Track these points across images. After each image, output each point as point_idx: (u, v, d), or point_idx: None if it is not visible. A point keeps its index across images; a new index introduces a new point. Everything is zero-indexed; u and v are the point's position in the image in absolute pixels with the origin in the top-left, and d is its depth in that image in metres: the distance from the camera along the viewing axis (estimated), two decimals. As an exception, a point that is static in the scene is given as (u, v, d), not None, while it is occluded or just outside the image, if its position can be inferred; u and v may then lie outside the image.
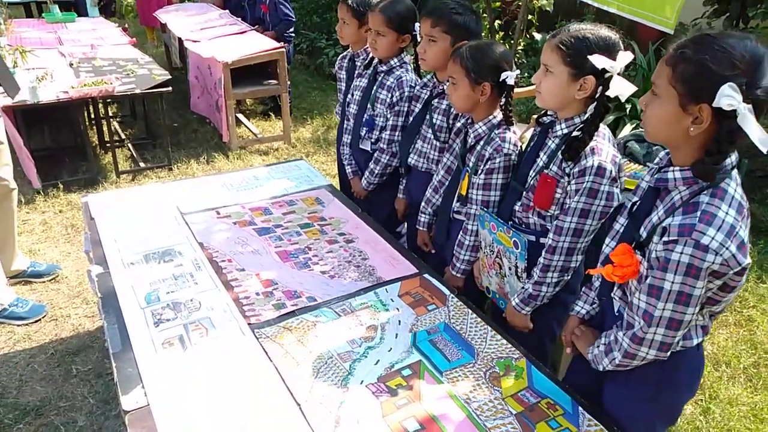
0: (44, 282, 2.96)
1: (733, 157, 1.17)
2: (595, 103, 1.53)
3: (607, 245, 1.43)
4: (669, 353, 1.27)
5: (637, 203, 1.35)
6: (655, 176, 1.27)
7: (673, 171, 1.21)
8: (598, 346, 1.41)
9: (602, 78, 1.49)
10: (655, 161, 1.35)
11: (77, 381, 2.32)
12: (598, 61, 1.42)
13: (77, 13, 6.31)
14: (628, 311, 1.28)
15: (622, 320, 1.33)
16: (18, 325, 2.63)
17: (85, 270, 2.48)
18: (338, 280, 1.98)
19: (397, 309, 1.83)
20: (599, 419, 1.42)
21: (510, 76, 1.82)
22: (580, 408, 1.45)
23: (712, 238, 1.10)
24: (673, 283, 1.16)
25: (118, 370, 1.55)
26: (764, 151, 1.09)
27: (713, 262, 1.11)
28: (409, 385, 1.52)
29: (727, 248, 1.11)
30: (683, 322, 1.20)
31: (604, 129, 1.58)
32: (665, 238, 1.16)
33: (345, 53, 2.73)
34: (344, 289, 1.92)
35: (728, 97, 1.05)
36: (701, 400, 2.24)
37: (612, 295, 1.41)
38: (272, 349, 1.63)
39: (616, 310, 1.42)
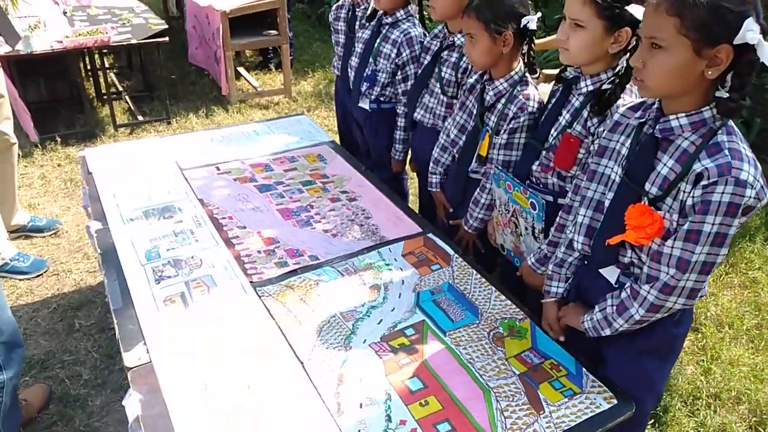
0: (45, 237, 2.94)
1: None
2: (629, 54, 1.45)
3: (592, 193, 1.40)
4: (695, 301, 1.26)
5: (629, 161, 1.30)
6: (658, 127, 1.24)
7: (677, 118, 1.20)
8: (600, 311, 1.36)
9: (637, 28, 1.40)
10: (637, 114, 1.32)
11: (80, 335, 2.33)
12: (638, 11, 1.34)
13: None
14: (652, 264, 1.25)
15: (638, 277, 1.29)
16: (20, 280, 2.62)
17: (85, 225, 2.45)
18: (341, 239, 1.95)
19: (401, 269, 1.80)
20: (602, 380, 1.41)
21: (532, 20, 1.72)
22: (583, 369, 1.45)
23: (748, 173, 1.13)
24: (713, 224, 1.15)
25: (120, 326, 1.54)
26: None
27: (750, 197, 1.13)
28: (412, 344, 1.51)
29: (757, 180, 1.14)
30: (715, 265, 1.20)
31: (630, 84, 1.50)
32: (704, 182, 1.15)
33: (341, 2, 2.61)
34: (347, 248, 1.90)
35: (752, 31, 1.07)
36: (702, 360, 2.25)
37: (626, 260, 1.35)
38: (274, 308, 1.62)
39: (614, 281, 1.38)
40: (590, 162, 1.43)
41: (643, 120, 1.30)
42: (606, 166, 1.38)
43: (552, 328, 1.54)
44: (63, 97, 4.31)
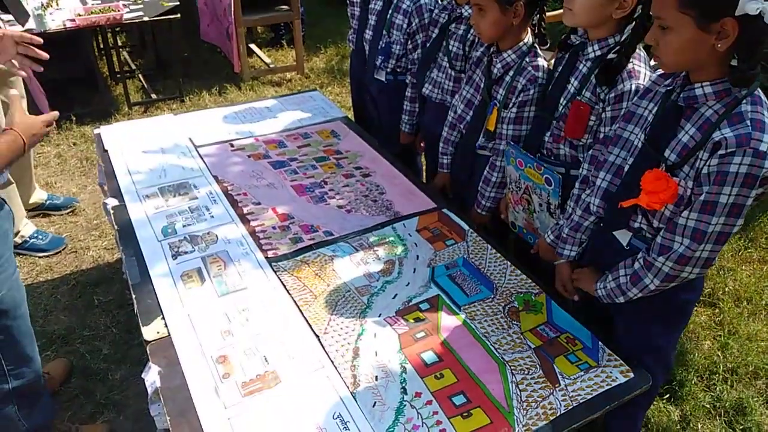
0: (62, 215, 2.97)
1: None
2: (634, 23, 1.42)
3: (614, 157, 1.38)
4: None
5: (651, 126, 1.29)
6: (682, 95, 1.22)
7: (702, 87, 1.19)
8: (613, 279, 1.38)
9: None
10: (666, 81, 1.30)
11: (99, 311, 2.37)
12: None
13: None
14: (666, 234, 1.25)
15: (651, 247, 1.29)
16: (39, 257, 2.66)
17: (101, 203, 2.47)
18: (355, 215, 1.95)
19: (415, 244, 1.80)
20: (618, 353, 1.41)
21: None
22: (599, 342, 1.44)
23: None
24: (729, 195, 1.14)
25: (138, 301, 1.56)
26: None
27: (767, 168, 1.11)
28: (427, 318, 1.51)
29: None
30: (730, 235, 1.20)
31: (640, 50, 1.48)
32: (721, 152, 1.13)
33: None
34: (361, 223, 1.90)
35: (752, 1, 1.04)
36: (720, 335, 2.23)
37: (636, 225, 1.35)
38: (290, 283, 1.63)
39: (626, 243, 1.38)
40: (617, 127, 1.41)
41: (671, 87, 1.28)
42: (631, 132, 1.37)
43: (566, 289, 1.56)
44: (77, 76, 4.31)
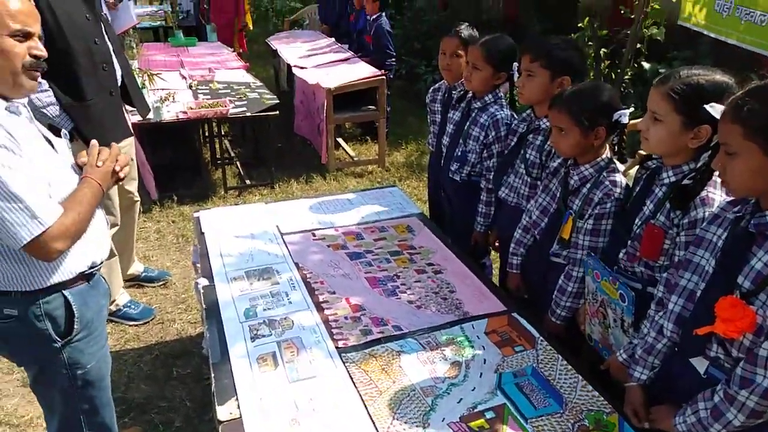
0: (155, 287, 3.22)
1: None
2: (710, 152, 1.45)
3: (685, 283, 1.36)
4: None
5: (722, 252, 1.28)
6: (753, 221, 1.22)
7: None
8: (693, 413, 1.30)
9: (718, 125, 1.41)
10: (735, 207, 1.31)
11: (177, 383, 2.49)
12: (715, 111, 1.35)
13: (198, 38, 6.86)
14: (746, 366, 1.20)
15: (731, 378, 1.23)
16: (129, 325, 2.88)
17: (192, 279, 2.67)
18: (424, 311, 1.99)
19: (483, 347, 1.80)
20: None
21: (624, 115, 1.76)
22: (676, 473, 1.36)
23: None
24: None
25: (216, 380, 1.65)
26: None
27: None
28: (492, 428, 1.49)
29: None
30: None
31: (716, 177, 1.49)
32: None
33: (438, 85, 2.77)
34: (430, 320, 1.93)
35: None
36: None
37: (712, 354, 1.30)
38: (357, 375, 1.67)
39: (703, 372, 1.32)
40: (687, 251, 1.41)
41: (740, 214, 1.29)
42: (701, 257, 1.36)
43: (636, 414, 1.48)
44: (183, 160, 4.79)
